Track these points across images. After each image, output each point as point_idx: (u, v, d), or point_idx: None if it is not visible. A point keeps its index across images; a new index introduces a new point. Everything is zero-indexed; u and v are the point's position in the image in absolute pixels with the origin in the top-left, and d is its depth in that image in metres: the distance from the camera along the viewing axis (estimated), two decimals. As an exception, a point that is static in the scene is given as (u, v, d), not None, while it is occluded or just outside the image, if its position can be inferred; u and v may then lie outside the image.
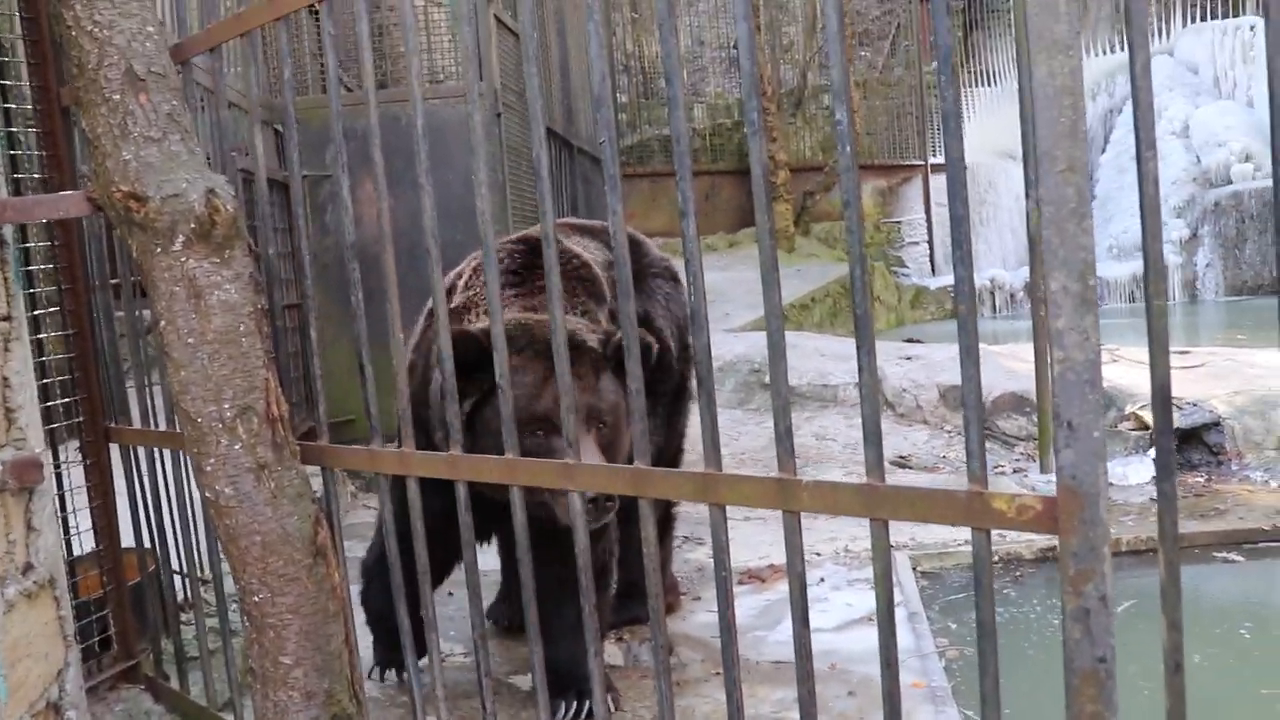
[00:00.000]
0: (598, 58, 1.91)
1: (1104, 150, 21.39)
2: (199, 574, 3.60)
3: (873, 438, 1.66)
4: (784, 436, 1.75)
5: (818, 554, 5.42)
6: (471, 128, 2.08)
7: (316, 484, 2.65)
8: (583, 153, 9.88)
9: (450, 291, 3.44)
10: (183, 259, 2.32)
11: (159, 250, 2.32)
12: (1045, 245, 1.46)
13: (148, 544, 3.55)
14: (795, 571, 1.77)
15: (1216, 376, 7.54)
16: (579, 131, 9.96)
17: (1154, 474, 6.60)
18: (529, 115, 1.98)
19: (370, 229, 6.74)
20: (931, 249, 19.52)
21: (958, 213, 1.56)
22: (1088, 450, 1.43)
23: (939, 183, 19.75)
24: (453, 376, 2.28)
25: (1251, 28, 18.77)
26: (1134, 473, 6.90)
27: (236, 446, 2.41)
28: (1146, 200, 1.51)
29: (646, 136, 18.95)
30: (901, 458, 7.41)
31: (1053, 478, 5.33)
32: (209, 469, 2.42)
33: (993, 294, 18.77)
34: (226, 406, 2.39)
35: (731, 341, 9.56)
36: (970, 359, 1.55)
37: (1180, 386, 7.03)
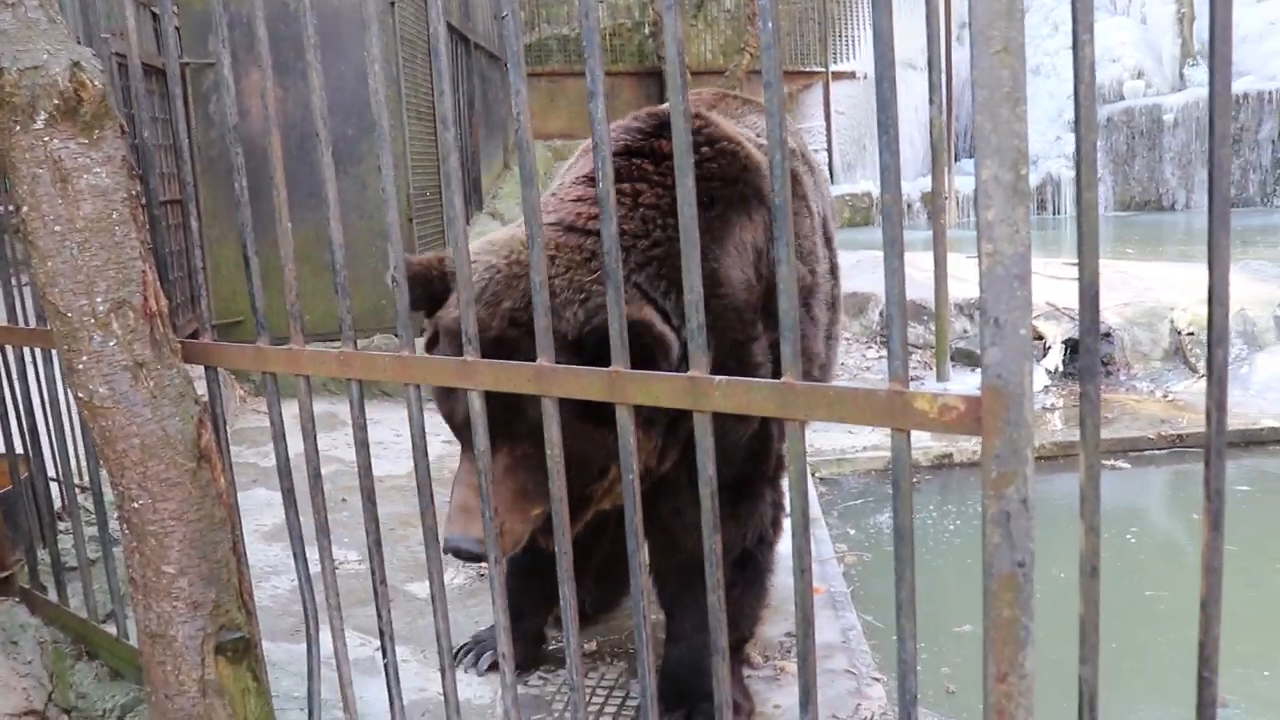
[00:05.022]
0: (502, -75, 1.77)
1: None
2: (76, 480, 3.43)
3: (789, 334, 1.58)
4: (695, 333, 1.67)
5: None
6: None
7: (201, 386, 2.51)
8: (480, 49, 9.58)
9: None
10: (46, 138, 2.13)
11: (18, 128, 2.12)
12: (977, 132, 1.38)
13: (20, 449, 3.36)
14: (706, 475, 1.70)
15: (1107, 288, 7.69)
16: (476, 27, 9.64)
17: (1048, 382, 6.75)
18: (427, -14, 1.82)
19: (258, 121, 6.45)
20: (831, 157, 19.55)
21: (884, 95, 1.47)
22: (1014, 348, 1.38)
23: (839, 90, 19.75)
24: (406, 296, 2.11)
25: (1148, -56, 18.94)
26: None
27: (111, 343, 2.24)
28: (1082, 88, 1.44)
29: (545, 35, 18.53)
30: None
31: (948, 386, 5.44)
32: (81, 367, 2.26)
33: (890, 205, 18.89)
34: (99, 300, 2.22)
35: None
36: (894, 251, 1.48)
37: (1072, 297, 7.15)
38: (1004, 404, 1.39)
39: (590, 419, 2.28)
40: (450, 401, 2.49)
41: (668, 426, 2.52)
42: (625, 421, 1.77)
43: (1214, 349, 1.45)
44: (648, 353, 2.19)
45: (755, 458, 2.83)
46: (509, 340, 2.35)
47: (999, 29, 1.34)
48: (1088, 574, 1.56)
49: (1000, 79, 1.34)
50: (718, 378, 1.65)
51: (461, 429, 2.45)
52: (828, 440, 5.89)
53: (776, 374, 2.75)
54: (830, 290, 3.15)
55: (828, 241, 3.20)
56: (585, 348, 2.28)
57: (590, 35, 1.68)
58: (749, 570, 2.92)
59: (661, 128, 2.77)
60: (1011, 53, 1.35)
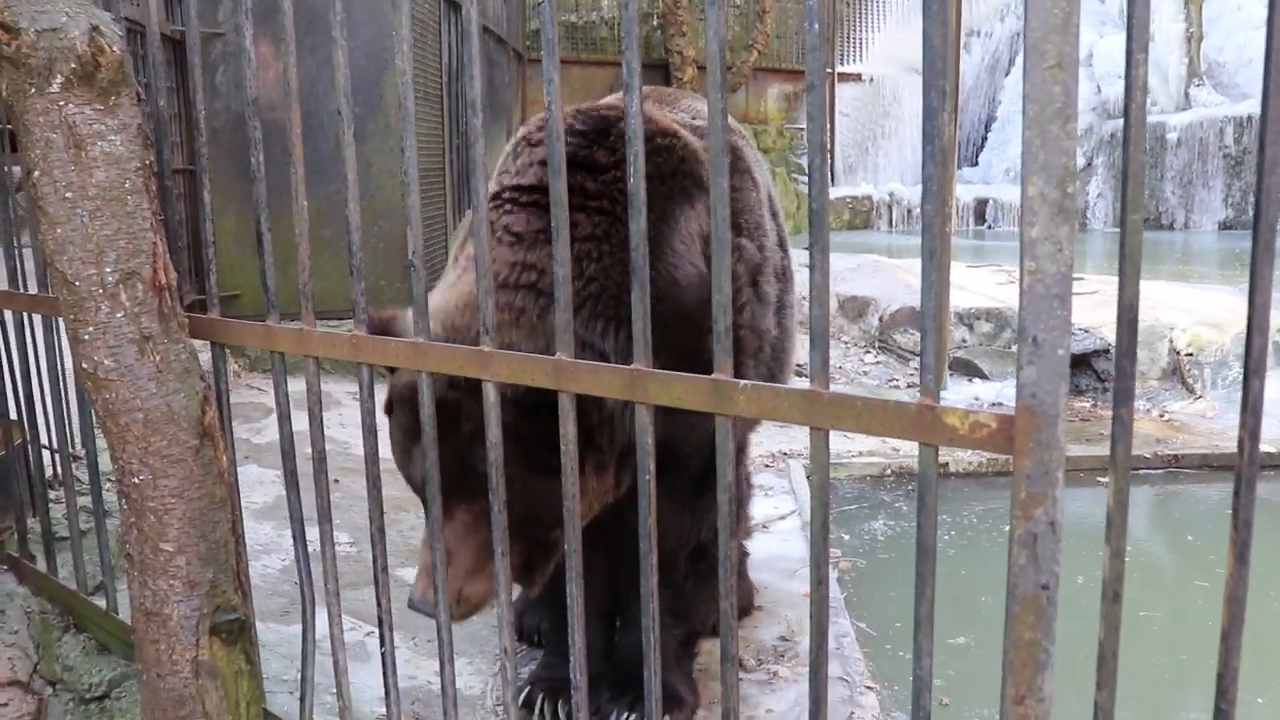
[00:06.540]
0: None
1: (1008, 73, 21.59)
2: (71, 449, 3.39)
3: (819, 341, 1.56)
4: (722, 336, 1.64)
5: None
6: (396, -22, 1.89)
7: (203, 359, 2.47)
8: (488, 31, 9.53)
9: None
10: (61, 103, 2.09)
11: (33, 91, 2.09)
12: (1025, 148, 1.35)
13: (14, 415, 3.32)
14: (724, 481, 1.67)
15: (1107, 305, 7.68)
16: (486, 9, 9.59)
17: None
18: (462, -32, 1.79)
19: (266, 95, 6.39)
20: (832, 158, 19.55)
21: (932, 104, 1.44)
22: (1051, 369, 1.35)
23: (844, 91, 19.75)
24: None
25: (1159, -40, 18.95)
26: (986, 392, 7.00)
27: (119, 315, 2.21)
28: (1134, 110, 1.41)
29: (554, 23, 18.44)
30: (798, 365, 7.45)
31: (945, 394, 5.36)
32: (87, 338, 2.22)
33: (890, 208, 18.94)
34: (109, 270, 2.18)
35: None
36: (933, 264, 1.45)
37: (1077, 308, 7.14)
38: (1038, 425, 1.37)
39: (540, 472, 2.23)
40: (410, 465, 2.42)
41: (619, 460, 2.44)
42: (646, 422, 1.74)
43: (1250, 379, 1.43)
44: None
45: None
46: (450, 403, 2.24)
47: (1053, 43, 1.31)
48: (1110, 599, 1.54)
49: (1052, 94, 1.31)
50: (742, 382, 1.63)
51: (420, 490, 2.33)
52: (823, 443, 5.87)
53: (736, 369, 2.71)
54: (779, 262, 3.07)
55: (774, 215, 3.13)
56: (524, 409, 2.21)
57: (630, 26, 1.65)
58: (702, 564, 2.86)
59: (601, 134, 2.58)
60: (1065, 69, 1.32)
